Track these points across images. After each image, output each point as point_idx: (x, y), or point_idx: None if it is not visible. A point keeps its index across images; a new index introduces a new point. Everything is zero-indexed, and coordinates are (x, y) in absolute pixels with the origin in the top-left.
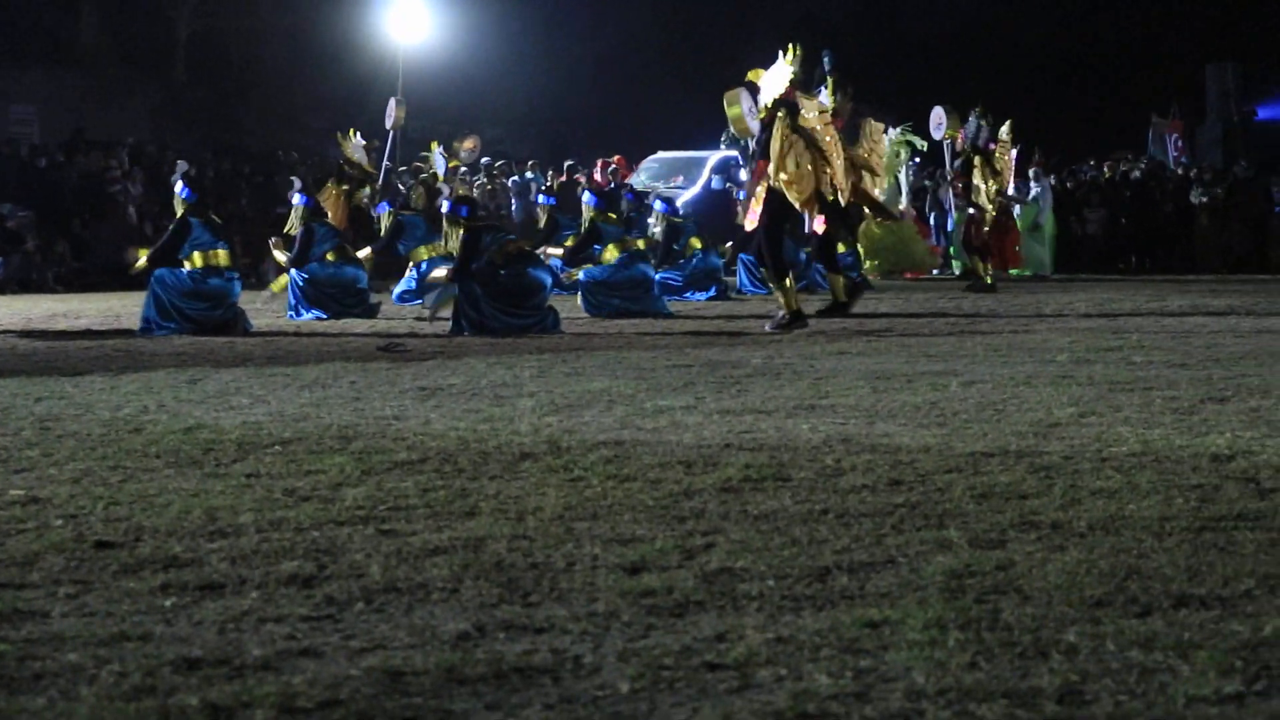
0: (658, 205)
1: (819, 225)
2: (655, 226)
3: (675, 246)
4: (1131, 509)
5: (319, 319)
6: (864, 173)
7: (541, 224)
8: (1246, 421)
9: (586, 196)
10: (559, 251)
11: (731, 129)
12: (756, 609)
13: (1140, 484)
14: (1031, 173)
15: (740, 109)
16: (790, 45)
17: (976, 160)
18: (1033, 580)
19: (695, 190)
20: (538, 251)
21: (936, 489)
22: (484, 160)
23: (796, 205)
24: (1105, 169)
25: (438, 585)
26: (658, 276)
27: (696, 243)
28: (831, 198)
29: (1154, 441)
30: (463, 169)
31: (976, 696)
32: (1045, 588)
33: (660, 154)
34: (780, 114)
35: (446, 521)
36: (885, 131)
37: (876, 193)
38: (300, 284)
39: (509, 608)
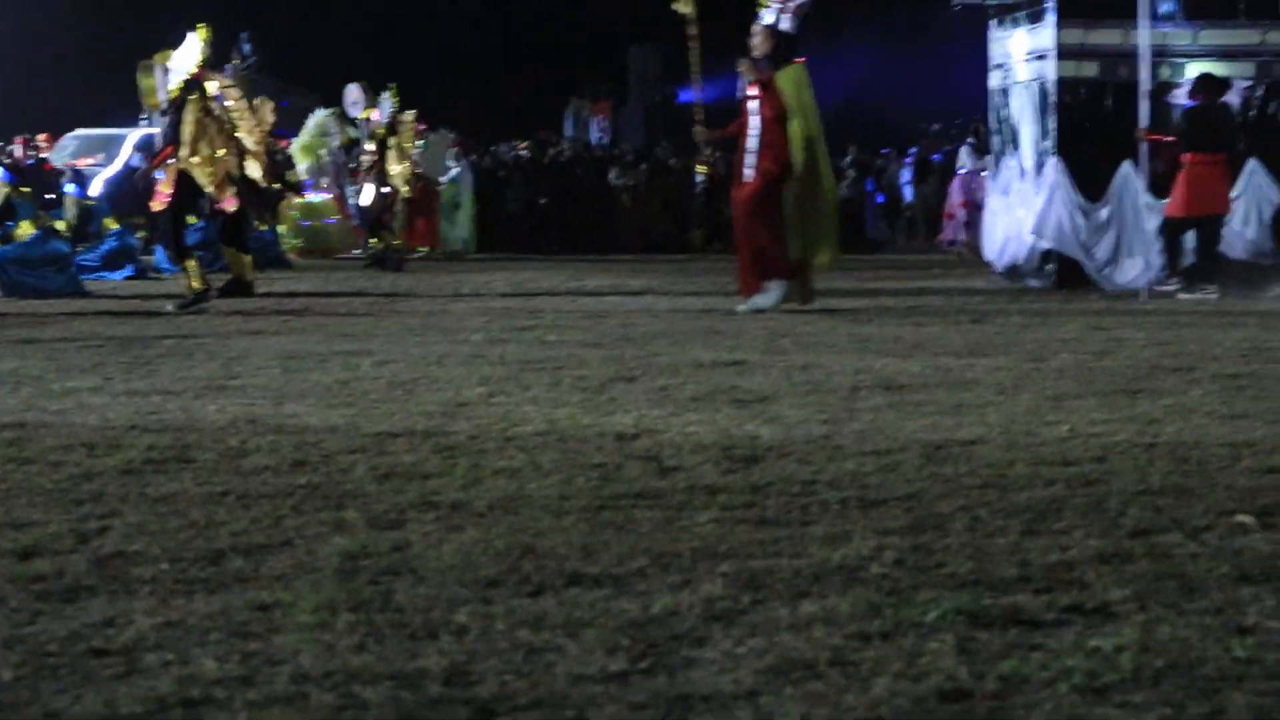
0: (70, 189)
1: (229, 205)
2: (68, 211)
3: (90, 228)
4: (532, 488)
5: None
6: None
7: None
8: (653, 400)
9: (0, 172)
10: None
11: (144, 102)
12: (148, 593)
13: (543, 463)
14: (452, 153)
15: (154, 81)
16: (201, 25)
17: (390, 140)
18: (427, 561)
19: (116, 168)
20: None
21: (339, 470)
22: None
23: (207, 187)
24: (526, 149)
25: None
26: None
27: (111, 223)
28: (242, 175)
29: (560, 421)
30: None
31: (363, 679)
32: (440, 568)
33: (80, 131)
34: (192, 97)
35: None
36: (313, 111)
37: (300, 169)
38: None
39: None
